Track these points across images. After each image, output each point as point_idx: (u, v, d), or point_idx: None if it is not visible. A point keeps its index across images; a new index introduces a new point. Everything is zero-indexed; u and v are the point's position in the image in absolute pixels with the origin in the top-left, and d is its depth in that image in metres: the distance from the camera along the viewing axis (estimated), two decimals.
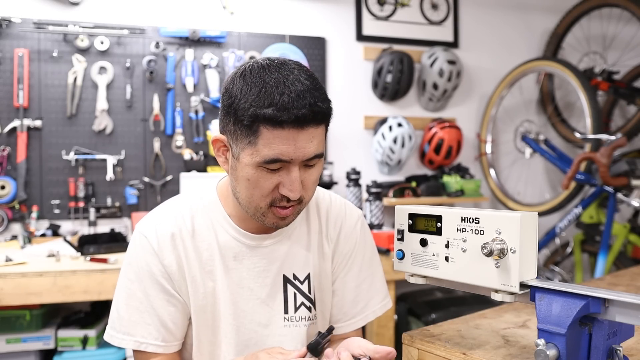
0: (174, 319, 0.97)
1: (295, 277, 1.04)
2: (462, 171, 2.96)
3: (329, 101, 0.90)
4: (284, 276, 1.03)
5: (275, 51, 2.61)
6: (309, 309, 1.05)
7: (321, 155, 0.90)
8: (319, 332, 0.92)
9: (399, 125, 2.77)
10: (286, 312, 1.03)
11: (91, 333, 2.02)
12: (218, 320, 0.99)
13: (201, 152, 2.58)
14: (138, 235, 0.99)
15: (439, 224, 0.84)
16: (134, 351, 0.99)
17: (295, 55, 2.57)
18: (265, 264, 1.01)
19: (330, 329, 0.92)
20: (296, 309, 1.03)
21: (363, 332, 1.19)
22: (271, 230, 1.02)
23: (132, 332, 0.96)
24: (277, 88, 0.83)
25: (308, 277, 1.05)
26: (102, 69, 2.52)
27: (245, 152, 0.87)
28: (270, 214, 0.92)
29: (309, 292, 1.05)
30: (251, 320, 1.00)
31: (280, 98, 0.82)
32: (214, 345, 1.00)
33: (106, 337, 0.99)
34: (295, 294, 1.03)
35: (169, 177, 2.60)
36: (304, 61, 2.57)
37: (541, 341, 0.68)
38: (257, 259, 1.01)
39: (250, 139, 0.85)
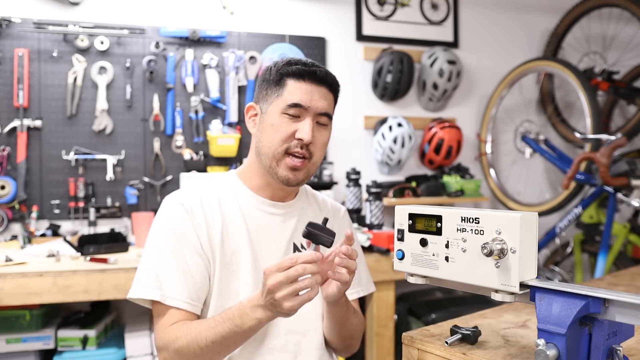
0: (202, 277, 1.06)
1: (302, 247, 1.18)
2: (462, 171, 2.96)
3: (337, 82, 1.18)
4: (294, 245, 1.18)
5: (275, 51, 2.61)
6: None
7: (330, 117, 1.15)
8: (311, 223, 0.98)
9: (399, 125, 2.77)
10: None
11: (91, 333, 2.02)
12: (239, 278, 1.11)
13: (201, 152, 2.58)
14: (169, 201, 1.13)
15: (439, 224, 0.84)
16: (154, 304, 1.05)
17: (295, 55, 2.57)
18: (280, 231, 1.17)
19: (325, 220, 0.99)
20: None
21: (363, 331, 1.31)
22: (285, 200, 1.20)
23: (159, 285, 1.03)
24: (301, 60, 1.14)
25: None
26: (102, 69, 2.52)
27: (273, 104, 1.12)
28: (283, 163, 1.10)
29: None
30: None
31: (304, 62, 1.13)
32: (234, 293, 1.10)
33: (130, 293, 1.05)
34: None
35: (169, 177, 2.60)
36: None
37: (541, 341, 0.68)
38: (273, 225, 1.17)
39: (278, 92, 1.11)
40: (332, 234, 0.96)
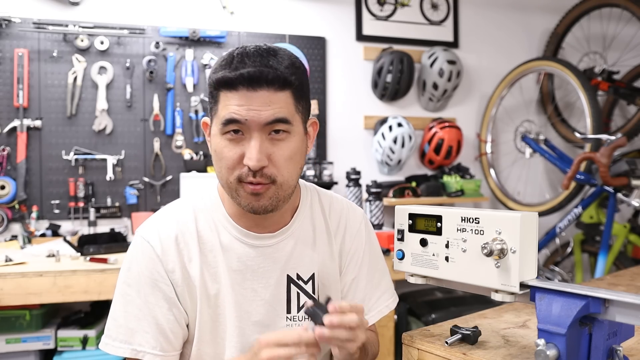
0: (173, 328, 0.95)
1: (299, 277, 1.02)
2: (462, 171, 2.96)
3: (295, 69, 0.89)
4: (288, 276, 1.01)
5: None
6: None
7: (286, 122, 0.87)
8: (315, 301, 0.87)
9: (399, 125, 2.77)
10: (288, 311, 1.02)
11: (91, 333, 2.02)
12: (223, 323, 0.98)
13: (201, 152, 2.58)
14: (140, 240, 0.96)
15: (439, 224, 0.84)
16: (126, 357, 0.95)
17: None
18: (269, 264, 1.00)
19: (328, 299, 0.86)
20: (299, 308, 1.02)
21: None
22: (274, 229, 1.00)
23: (129, 340, 0.93)
24: (238, 55, 0.87)
25: (312, 277, 1.04)
26: (102, 69, 2.52)
27: (213, 124, 0.91)
28: (242, 192, 0.90)
29: (313, 292, 1.04)
30: (255, 321, 0.99)
31: (235, 61, 0.85)
32: (218, 348, 0.99)
33: (101, 345, 0.95)
34: (298, 294, 1.02)
35: (169, 177, 2.60)
36: (303, 61, 2.56)
37: (541, 341, 0.68)
38: (261, 260, 0.99)
39: (215, 107, 0.90)
40: None
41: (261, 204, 0.90)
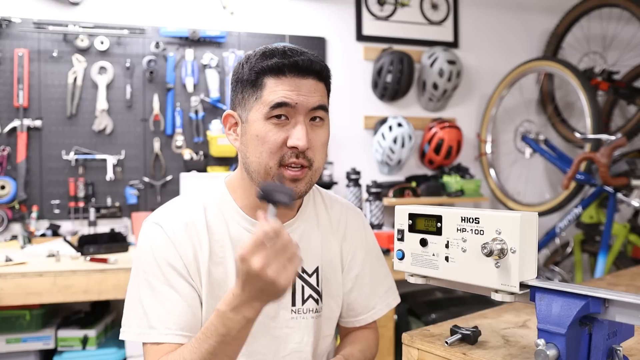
0: (197, 305, 0.96)
1: (303, 271, 1.04)
2: (462, 171, 2.96)
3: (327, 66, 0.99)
4: None
5: None
6: (317, 301, 1.06)
7: (326, 109, 0.97)
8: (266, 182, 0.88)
9: (399, 125, 2.77)
10: (293, 304, 1.03)
11: (91, 333, 2.02)
12: None
13: (201, 152, 2.58)
14: (151, 225, 0.98)
15: (439, 224, 0.84)
16: (145, 344, 0.95)
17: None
18: None
19: (281, 177, 0.91)
20: (303, 301, 1.04)
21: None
22: (283, 220, 1.02)
23: (147, 323, 0.93)
24: (279, 48, 0.94)
25: (317, 270, 1.06)
26: (102, 69, 2.52)
27: (253, 110, 0.94)
28: (279, 178, 0.93)
29: (317, 285, 1.06)
30: (261, 313, 1.00)
31: (282, 51, 0.93)
32: None
33: (122, 334, 0.95)
34: (303, 287, 1.04)
35: (169, 177, 2.60)
36: None
37: (541, 341, 0.68)
38: None
39: (257, 94, 0.93)
40: (289, 190, 0.83)
41: (298, 189, 0.94)
